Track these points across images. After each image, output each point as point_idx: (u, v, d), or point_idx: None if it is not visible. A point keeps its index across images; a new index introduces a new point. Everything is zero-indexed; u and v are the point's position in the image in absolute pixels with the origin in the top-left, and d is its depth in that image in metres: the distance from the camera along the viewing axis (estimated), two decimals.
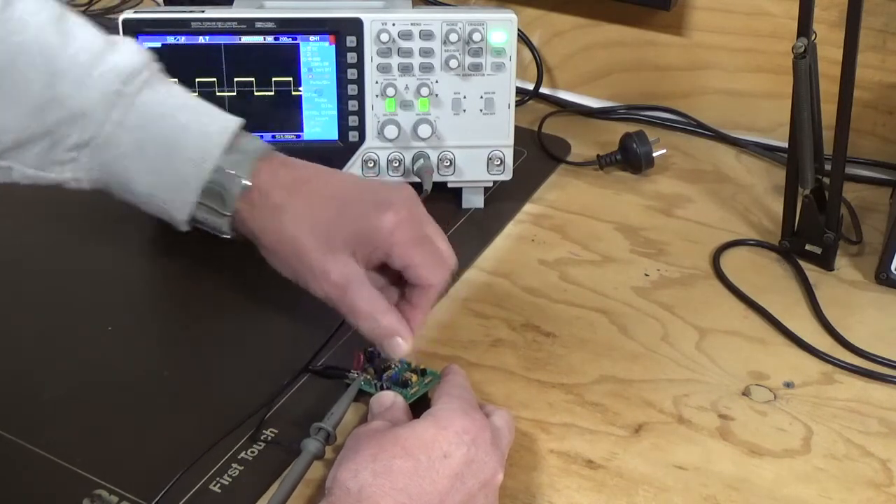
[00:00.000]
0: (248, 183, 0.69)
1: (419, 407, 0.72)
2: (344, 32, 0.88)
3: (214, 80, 0.88)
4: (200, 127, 0.68)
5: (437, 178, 0.91)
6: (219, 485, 0.66)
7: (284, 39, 0.88)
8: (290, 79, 0.89)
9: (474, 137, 0.91)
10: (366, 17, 0.88)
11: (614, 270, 0.89)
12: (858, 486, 0.68)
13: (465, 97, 0.90)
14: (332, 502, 0.57)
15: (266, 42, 0.88)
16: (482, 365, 0.78)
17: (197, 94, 0.88)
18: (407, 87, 0.90)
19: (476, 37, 0.88)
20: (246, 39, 0.88)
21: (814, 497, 0.67)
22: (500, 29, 0.88)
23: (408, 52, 0.89)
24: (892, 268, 0.86)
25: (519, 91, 1.06)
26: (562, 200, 0.98)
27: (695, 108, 1.11)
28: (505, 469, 0.64)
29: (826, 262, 0.88)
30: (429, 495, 0.58)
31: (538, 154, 1.05)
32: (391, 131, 0.90)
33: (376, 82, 0.89)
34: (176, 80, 0.87)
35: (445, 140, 0.91)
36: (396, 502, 0.57)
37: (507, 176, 0.94)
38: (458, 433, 0.61)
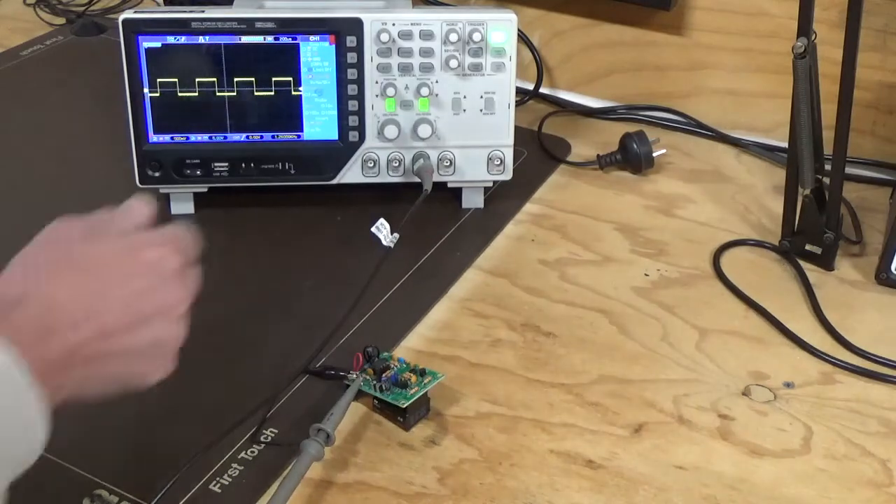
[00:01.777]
0: None
1: (419, 407, 0.72)
2: (344, 32, 0.88)
3: (214, 80, 0.88)
4: None
5: (437, 178, 0.91)
6: (219, 485, 0.66)
7: (284, 39, 0.88)
8: (290, 79, 0.89)
9: (474, 137, 0.91)
10: (366, 17, 0.88)
11: (614, 270, 0.89)
12: (858, 486, 0.68)
13: (465, 97, 0.90)
14: None
15: (266, 42, 0.88)
16: (482, 365, 0.78)
17: (197, 93, 0.88)
18: (407, 87, 0.90)
19: (476, 37, 0.88)
20: (246, 39, 0.88)
21: (814, 497, 0.67)
22: (500, 29, 0.88)
23: (408, 52, 0.89)
24: (892, 268, 0.86)
25: (519, 91, 1.06)
26: (562, 200, 0.98)
27: (695, 108, 1.11)
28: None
29: (826, 262, 0.88)
30: (86, 310, 0.56)
31: (538, 154, 1.05)
32: (391, 131, 0.90)
33: (376, 82, 0.89)
34: (176, 79, 0.88)
35: (445, 140, 0.91)
36: (45, 307, 0.54)
37: (507, 176, 0.94)
38: (145, 263, 0.59)
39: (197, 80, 0.88)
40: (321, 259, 0.89)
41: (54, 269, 0.58)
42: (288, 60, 0.88)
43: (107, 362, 0.58)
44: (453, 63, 0.89)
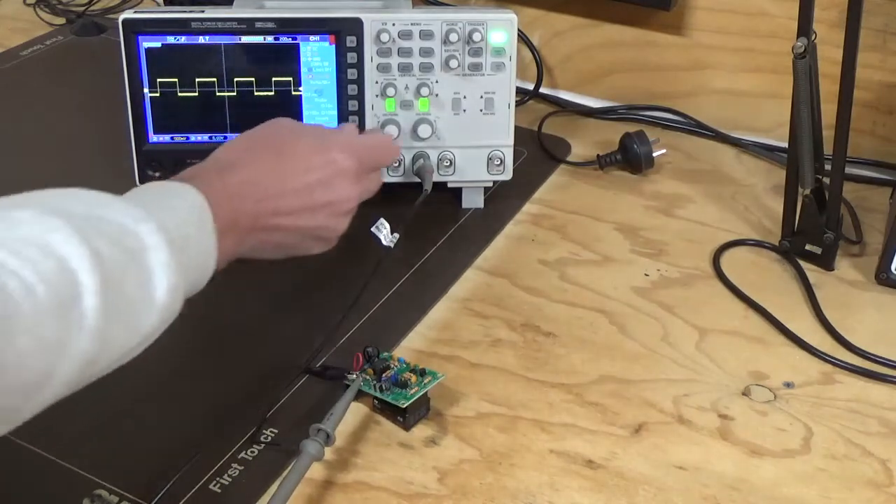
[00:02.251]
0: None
1: (419, 407, 0.72)
2: (344, 32, 0.88)
3: (214, 80, 0.88)
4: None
5: (437, 178, 0.91)
6: (219, 485, 0.66)
7: (284, 39, 0.88)
8: (290, 79, 0.89)
9: (474, 137, 0.91)
10: (366, 17, 0.88)
11: (614, 270, 0.89)
12: (858, 486, 0.68)
13: (465, 97, 0.90)
14: (201, 166, 0.70)
15: (266, 42, 0.88)
16: (482, 365, 0.78)
17: (197, 93, 0.88)
18: (407, 87, 0.90)
19: (476, 37, 0.88)
20: (246, 39, 0.88)
21: (814, 497, 0.67)
22: (500, 29, 0.88)
23: (408, 52, 0.89)
24: (892, 268, 0.86)
25: (519, 91, 1.06)
26: (562, 200, 0.98)
27: (695, 108, 1.11)
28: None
29: (826, 262, 0.88)
30: (273, 188, 0.71)
31: (538, 154, 1.05)
32: (391, 131, 0.90)
33: (376, 82, 0.89)
34: (176, 79, 0.88)
35: (445, 140, 0.91)
36: (246, 177, 0.70)
37: (507, 176, 0.94)
38: (328, 161, 0.74)
39: (197, 80, 0.88)
40: (321, 259, 0.88)
41: (262, 149, 0.73)
42: (288, 60, 0.88)
43: (278, 235, 0.73)
44: (453, 63, 0.89)
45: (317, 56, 0.89)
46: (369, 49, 0.88)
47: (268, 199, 0.71)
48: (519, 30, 0.92)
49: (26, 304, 0.48)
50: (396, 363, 0.75)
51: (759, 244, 0.92)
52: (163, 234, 0.58)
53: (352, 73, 0.89)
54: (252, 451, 0.69)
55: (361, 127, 0.90)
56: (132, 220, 0.57)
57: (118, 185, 0.91)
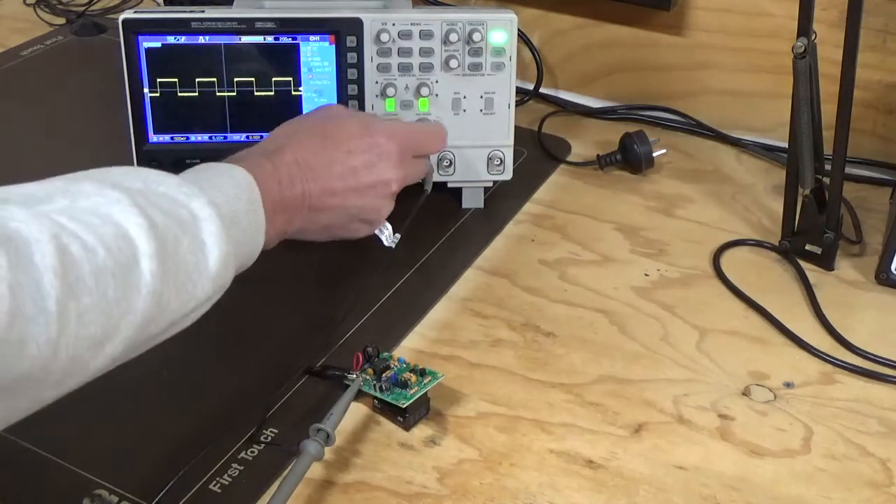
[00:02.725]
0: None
1: (419, 407, 0.72)
2: (344, 32, 0.88)
3: (214, 80, 0.88)
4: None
5: (437, 178, 0.91)
6: (219, 485, 0.66)
7: (284, 39, 0.88)
8: (290, 79, 0.89)
9: (474, 137, 0.91)
10: (366, 17, 0.88)
11: (614, 270, 0.89)
12: (858, 486, 0.68)
13: (465, 97, 0.90)
14: (249, 151, 0.74)
15: (266, 42, 0.88)
16: (482, 365, 0.78)
17: (197, 93, 0.88)
18: (407, 87, 0.90)
19: (476, 37, 0.88)
20: (246, 39, 0.88)
21: (814, 497, 0.67)
22: (500, 29, 0.88)
23: (408, 52, 0.89)
24: (892, 268, 0.86)
25: (519, 91, 1.06)
26: (562, 200, 0.98)
27: (695, 108, 1.11)
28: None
29: (826, 262, 0.88)
30: (320, 169, 0.74)
31: (538, 154, 1.05)
32: None
33: (376, 82, 0.89)
34: (176, 79, 0.88)
35: None
36: (293, 159, 0.73)
37: (507, 176, 0.94)
38: (371, 144, 0.77)
39: (197, 80, 0.88)
40: (321, 259, 0.89)
41: (308, 134, 0.77)
42: (288, 60, 0.88)
43: (326, 216, 0.76)
44: (453, 63, 0.89)
45: (317, 56, 0.89)
46: (369, 49, 0.88)
47: (315, 180, 0.74)
48: (519, 30, 0.92)
49: (88, 266, 0.52)
50: (396, 363, 0.75)
51: (759, 244, 0.92)
52: (213, 208, 0.62)
53: (352, 73, 0.89)
54: (252, 451, 0.69)
55: None
56: (185, 196, 0.62)
57: None
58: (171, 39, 0.87)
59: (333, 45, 0.88)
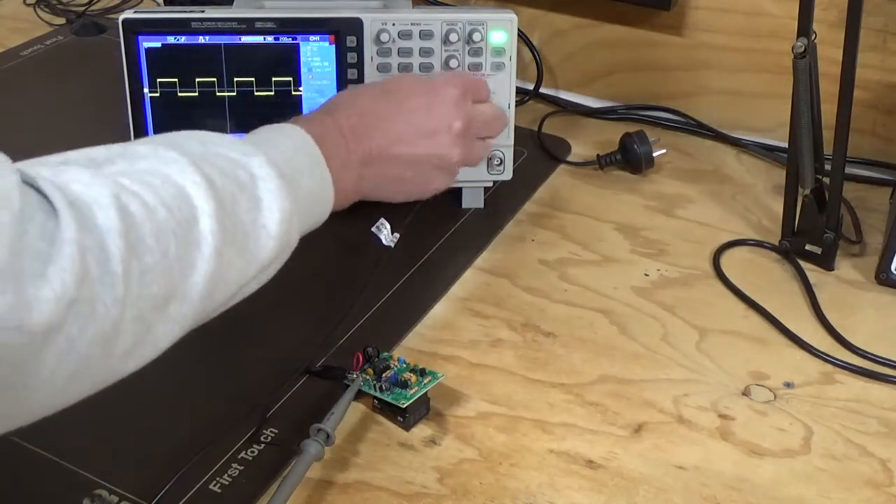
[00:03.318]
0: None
1: (419, 407, 0.72)
2: (344, 32, 0.88)
3: (214, 80, 0.88)
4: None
5: None
6: (219, 485, 0.66)
7: (284, 39, 0.88)
8: (290, 79, 0.89)
9: None
10: (366, 17, 0.88)
11: (614, 270, 0.89)
12: (858, 486, 0.68)
13: None
14: (310, 113, 0.76)
15: (266, 42, 0.88)
16: (482, 365, 0.78)
17: (197, 93, 0.88)
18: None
19: (476, 37, 0.88)
20: (246, 39, 0.88)
21: (814, 497, 0.67)
22: (500, 29, 0.88)
23: (408, 52, 0.89)
24: (892, 268, 0.86)
25: (519, 91, 1.06)
26: (562, 200, 0.98)
27: (695, 108, 1.11)
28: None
29: (826, 262, 0.88)
30: (382, 118, 0.76)
31: (538, 154, 1.05)
32: None
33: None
34: (176, 79, 0.88)
35: None
36: (355, 112, 0.75)
37: (507, 176, 0.94)
38: (429, 87, 0.79)
39: (197, 80, 0.88)
40: (321, 259, 0.88)
41: (368, 92, 0.80)
42: (288, 60, 0.88)
43: (397, 167, 0.76)
44: (453, 63, 0.89)
45: (317, 56, 0.89)
46: (369, 49, 0.88)
47: (378, 130, 0.75)
48: (519, 29, 0.92)
49: (150, 225, 0.53)
50: (396, 363, 0.75)
51: (759, 244, 0.92)
52: (272, 167, 0.62)
53: (352, 73, 0.89)
54: (252, 451, 0.69)
55: None
56: (242, 155, 0.62)
57: None
58: (171, 39, 0.87)
59: (333, 45, 0.88)
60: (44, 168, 0.53)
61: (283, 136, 0.69)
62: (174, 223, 0.54)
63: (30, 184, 0.50)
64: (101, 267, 0.49)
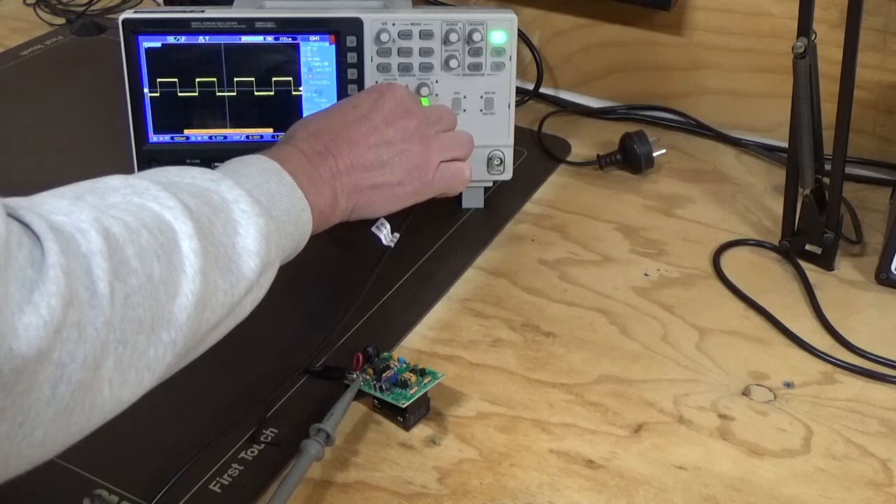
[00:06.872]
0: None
1: (419, 407, 0.72)
2: (344, 32, 0.88)
3: (214, 80, 0.88)
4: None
5: None
6: (219, 485, 0.66)
7: (284, 39, 0.88)
8: (290, 79, 0.89)
9: (474, 137, 0.91)
10: (366, 17, 0.88)
11: (614, 270, 0.89)
12: (858, 486, 0.68)
13: (464, 97, 0.90)
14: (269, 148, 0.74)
15: (266, 42, 0.88)
16: (482, 365, 0.78)
17: (197, 93, 0.88)
18: (407, 87, 0.89)
19: (476, 37, 0.88)
20: (246, 39, 0.88)
21: (814, 497, 0.67)
22: (500, 29, 0.88)
23: (408, 52, 0.89)
24: (892, 268, 0.86)
25: (519, 91, 1.06)
26: (562, 200, 0.98)
27: (695, 108, 1.11)
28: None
29: (826, 262, 0.88)
30: (336, 131, 0.76)
31: (538, 154, 1.05)
32: None
33: (376, 82, 0.89)
34: (176, 79, 0.88)
35: None
36: (307, 133, 0.76)
37: (507, 176, 0.94)
38: (371, 90, 0.81)
39: (197, 80, 0.88)
40: (321, 259, 0.89)
41: (316, 115, 0.79)
42: (288, 60, 0.88)
43: (367, 171, 0.76)
44: (453, 63, 0.89)
45: (317, 56, 0.89)
46: (369, 49, 0.88)
47: (335, 143, 0.75)
48: (519, 30, 0.92)
49: (132, 247, 0.53)
50: (396, 363, 0.75)
51: (759, 244, 0.92)
52: (241, 188, 0.63)
53: (352, 73, 0.89)
54: (252, 451, 0.69)
55: None
56: (211, 182, 0.63)
57: None
58: (171, 39, 0.87)
59: (333, 45, 0.88)
60: (22, 200, 0.52)
61: (246, 166, 0.68)
62: (156, 245, 0.54)
63: (10, 214, 0.49)
64: (88, 290, 0.49)
